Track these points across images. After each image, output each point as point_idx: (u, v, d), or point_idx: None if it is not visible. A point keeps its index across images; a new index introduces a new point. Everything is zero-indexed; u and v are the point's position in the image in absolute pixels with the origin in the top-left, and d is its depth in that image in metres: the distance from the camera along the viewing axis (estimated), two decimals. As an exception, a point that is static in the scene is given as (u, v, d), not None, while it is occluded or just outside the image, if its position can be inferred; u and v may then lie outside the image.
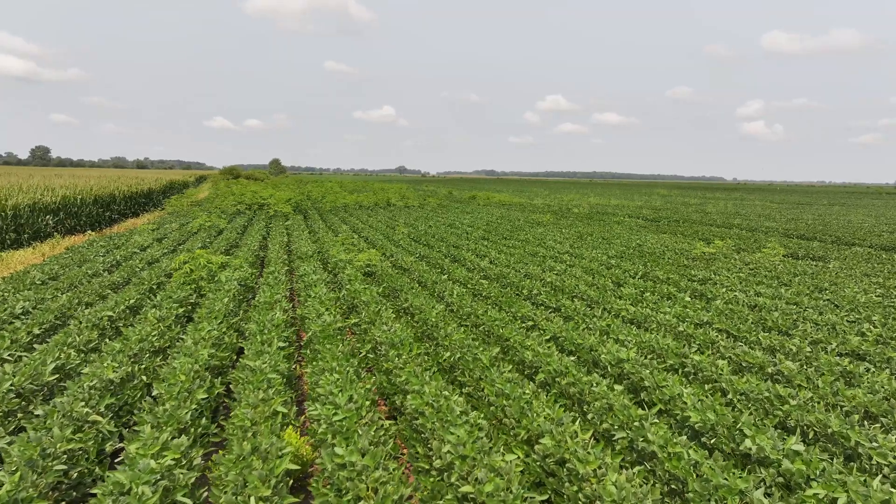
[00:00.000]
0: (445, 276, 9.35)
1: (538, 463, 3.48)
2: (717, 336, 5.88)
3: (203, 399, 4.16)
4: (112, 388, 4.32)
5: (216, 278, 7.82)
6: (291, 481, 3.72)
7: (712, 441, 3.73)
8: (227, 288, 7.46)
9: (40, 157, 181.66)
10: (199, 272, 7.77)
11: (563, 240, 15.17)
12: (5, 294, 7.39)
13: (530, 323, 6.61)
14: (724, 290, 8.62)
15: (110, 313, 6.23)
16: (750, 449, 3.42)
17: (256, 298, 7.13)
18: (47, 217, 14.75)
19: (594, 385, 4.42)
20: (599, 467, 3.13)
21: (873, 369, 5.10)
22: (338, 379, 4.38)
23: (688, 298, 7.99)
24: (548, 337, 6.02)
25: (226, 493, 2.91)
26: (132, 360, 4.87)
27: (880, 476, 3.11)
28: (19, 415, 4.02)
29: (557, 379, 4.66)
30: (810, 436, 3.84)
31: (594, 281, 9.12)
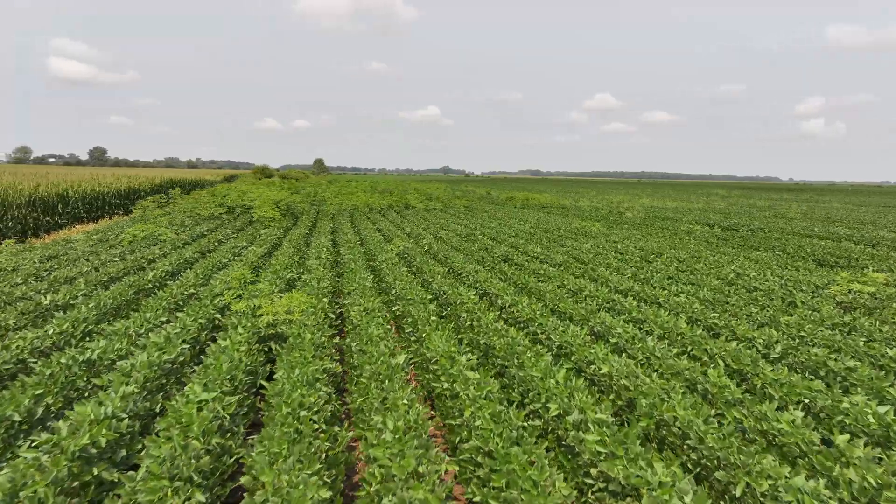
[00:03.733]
0: (404, 357, 4.97)
1: None
2: None
3: None
4: None
5: None
6: None
7: None
8: None
9: (97, 157, 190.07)
10: None
11: (621, 264, 10.49)
12: None
13: None
14: None
15: None
16: None
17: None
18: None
19: None
20: None
21: None
22: None
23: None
24: None
25: None
26: None
27: None
28: None
29: None
30: None
31: (695, 376, 4.55)
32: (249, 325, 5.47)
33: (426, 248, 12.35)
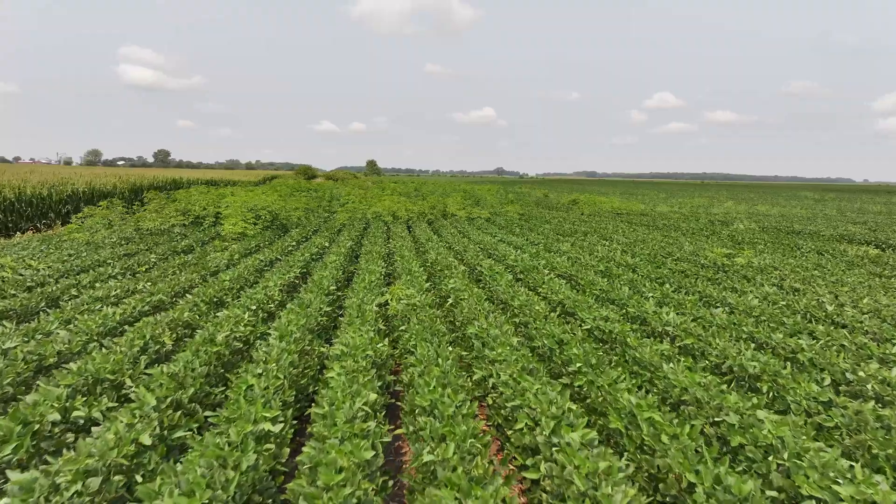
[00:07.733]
0: None
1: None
2: None
3: None
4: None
5: None
6: None
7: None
8: None
9: (161, 160, 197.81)
10: None
11: None
12: None
13: None
14: None
15: None
16: None
17: None
18: None
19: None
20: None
21: None
22: None
23: None
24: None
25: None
26: None
27: None
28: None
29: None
30: None
31: None
32: None
33: (449, 303, 6.74)
